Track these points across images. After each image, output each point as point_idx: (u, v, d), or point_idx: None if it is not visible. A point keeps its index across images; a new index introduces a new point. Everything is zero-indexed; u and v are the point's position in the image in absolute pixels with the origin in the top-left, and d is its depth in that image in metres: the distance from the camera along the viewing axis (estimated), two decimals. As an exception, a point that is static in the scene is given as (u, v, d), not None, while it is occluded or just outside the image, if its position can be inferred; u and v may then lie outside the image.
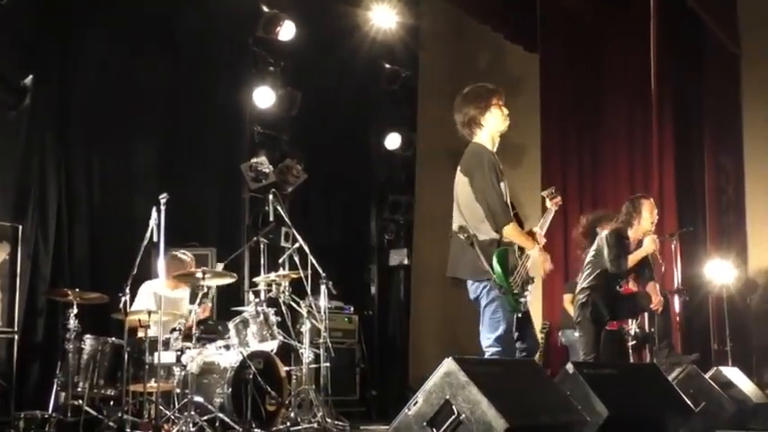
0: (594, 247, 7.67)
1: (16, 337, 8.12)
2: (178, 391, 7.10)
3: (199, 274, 7.43)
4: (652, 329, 8.21)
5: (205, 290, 7.60)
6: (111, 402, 7.32)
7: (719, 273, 10.76)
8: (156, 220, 6.96)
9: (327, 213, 11.85)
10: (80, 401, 6.93)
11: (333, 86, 11.40)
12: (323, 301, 8.48)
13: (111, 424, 6.87)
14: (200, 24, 9.94)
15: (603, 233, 7.70)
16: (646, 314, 8.31)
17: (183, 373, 7.10)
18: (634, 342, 8.75)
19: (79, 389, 7.04)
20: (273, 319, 7.82)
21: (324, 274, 8.43)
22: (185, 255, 8.20)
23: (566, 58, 11.79)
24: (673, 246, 8.92)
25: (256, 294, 8.36)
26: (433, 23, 12.81)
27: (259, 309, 7.75)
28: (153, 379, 7.04)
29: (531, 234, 5.63)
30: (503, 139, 5.91)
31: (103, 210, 9.27)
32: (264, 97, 10.11)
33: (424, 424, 4.43)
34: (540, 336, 10.12)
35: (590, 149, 11.52)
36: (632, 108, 11.14)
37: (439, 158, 13.74)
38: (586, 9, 11.25)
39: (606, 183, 11.19)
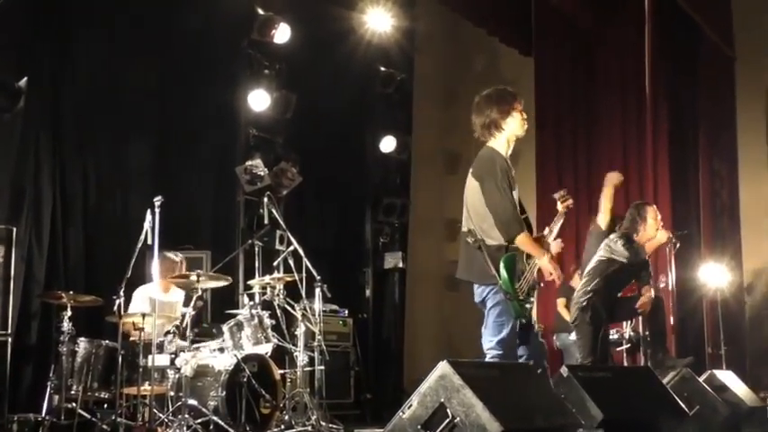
0: (600, 253, 7.67)
1: (10, 339, 8.07)
2: (172, 394, 7.09)
3: (193, 277, 7.43)
4: (646, 333, 8.23)
5: (200, 292, 7.60)
6: (105, 405, 7.30)
7: (714, 276, 10.78)
8: (150, 223, 6.94)
9: (322, 216, 11.84)
10: (74, 404, 6.91)
11: (328, 89, 11.39)
12: (317, 304, 8.47)
13: (104, 427, 6.84)
14: (196, 27, 9.93)
15: (609, 238, 7.72)
16: (640, 318, 8.34)
17: (177, 375, 7.10)
18: (628, 345, 8.77)
19: (73, 392, 7.02)
20: (268, 321, 7.80)
21: (318, 277, 8.43)
22: (175, 255, 8.19)
23: (560, 61, 11.81)
24: (668, 249, 8.92)
25: (251, 297, 8.37)
26: (429, 27, 12.83)
27: (254, 312, 7.74)
28: (147, 382, 7.01)
29: (540, 241, 5.63)
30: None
31: (98, 212, 9.25)
32: (259, 100, 10.10)
33: (419, 427, 4.43)
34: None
35: (585, 152, 11.54)
36: (627, 111, 11.16)
37: (434, 161, 13.79)
38: (581, 13, 11.27)
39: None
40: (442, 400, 4.41)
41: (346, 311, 10.63)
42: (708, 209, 11.74)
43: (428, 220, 13.39)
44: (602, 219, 7.97)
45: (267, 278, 8.41)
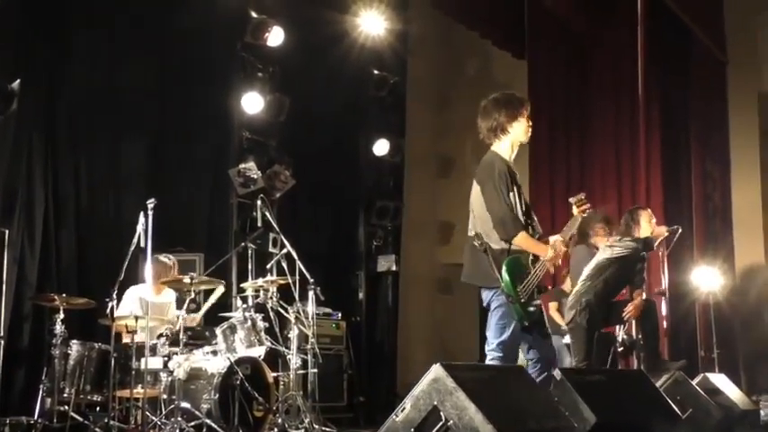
0: (600, 256, 7.68)
1: (2, 342, 8.03)
2: (165, 396, 7.09)
3: (186, 280, 7.42)
4: (639, 336, 8.25)
5: (192, 295, 7.58)
6: (98, 408, 7.30)
7: (706, 279, 10.80)
8: (143, 225, 6.94)
9: (315, 219, 11.84)
10: (66, 407, 6.91)
11: (321, 92, 11.39)
12: (311, 307, 8.47)
13: (97, 430, 6.85)
14: (189, 29, 9.90)
15: (604, 244, 7.75)
16: (633, 320, 8.35)
17: (169, 378, 7.08)
18: (622, 348, 8.77)
19: (65, 394, 7.01)
20: (261, 324, 7.80)
21: (312, 280, 8.42)
22: (167, 258, 8.19)
23: (553, 64, 11.83)
24: (661, 253, 8.95)
25: (244, 300, 8.37)
26: (422, 30, 12.83)
27: (247, 314, 7.74)
28: (139, 385, 7.01)
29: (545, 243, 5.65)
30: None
31: (91, 214, 9.24)
32: (253, 103, 10.09)
33: (412, 430, 4.42)
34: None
35: (578, 155, 11.56)
36: (620, 114, 11.19)
37: (427, 164, 13.80)
38: (574, 16, 11.29)
39: (594, 188, 11.21)
40: (436, 403, 4.41)
41: (339, 314, 10.63)
42: (700, 211, 11.77)
43: (421, 224, 13.40)
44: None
45: (260, 281, 8.41)
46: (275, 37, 10.19)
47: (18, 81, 7.82)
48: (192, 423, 7.02)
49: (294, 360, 8.14)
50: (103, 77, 9.45)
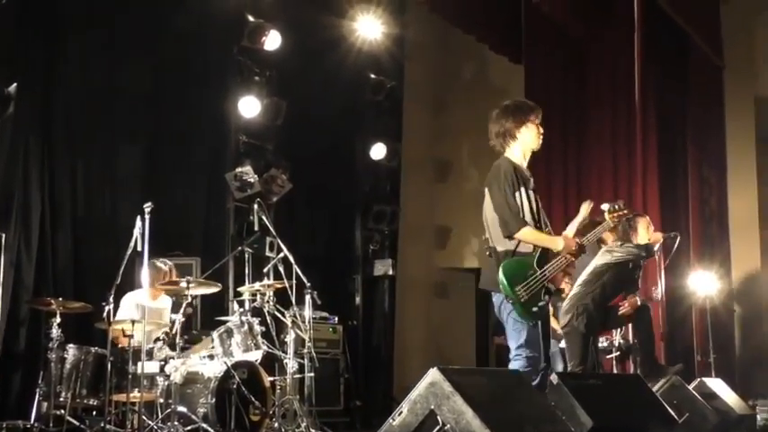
0: (599, 261, 7.68)
1: (-2, 346, 8.07)
2: (161, 401, 7.08)
3: (183, 284, 7.42)
4: (635, 341, 8.26)
5: (189, 299, 7.58)
6: (94, 412, 7.28)
7: (703, 284, 10.81)
8: (140, 229, 6.92)
9: (312, 223, 11.83)
10: (62, 411, 6.90)
11: (318, 96, 11.38)
12: (307, 311, 8.46)
13: (93, 434, 6.84)
14: (186, 32, 9.91)
15: (608, 246, 7.76)
16: (630, 325, 8.37)
17: (166, 382, 7.07)
18: (618, 353, 8.78)
19: (62, 399, 7.00)
20: (258, 328, 7.79)
21: (308, 284, 8.42)
22: (164, 263, 8.18)
23: (550, 69, 11.83)
24: (657, 257, 8.95)
25: (241, 304, 8.35)
26: (419, 34, 12.84)
27: (243, 318, 7.73)
28: (136, 389, 7.00)
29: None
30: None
31: (87, 218, 9.22)
32: (250, 107, 10.09)
33: (409, 434, 4.43)
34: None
35: (575, 159, 11.56)
36: (617, 118, 11.19)
37: (424, 169, 13.81)
38: (571, 21, 11.29)
39: (591, 192, 11.20)
40: (433, 407, 4.41)
41: (336, 318, 10.61)
42: (697, 216, 11.78)
43: (418, 228, 13.40)
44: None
45: (257, 285, 8.40)
46: (272, 41, 10.19)
47: (15, 84, 7.81)
48: (189, 427, 7.01)
49: (291, 364, 8.14)
50: (100, 80, 9.44)
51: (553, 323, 9.17)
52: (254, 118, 10.17)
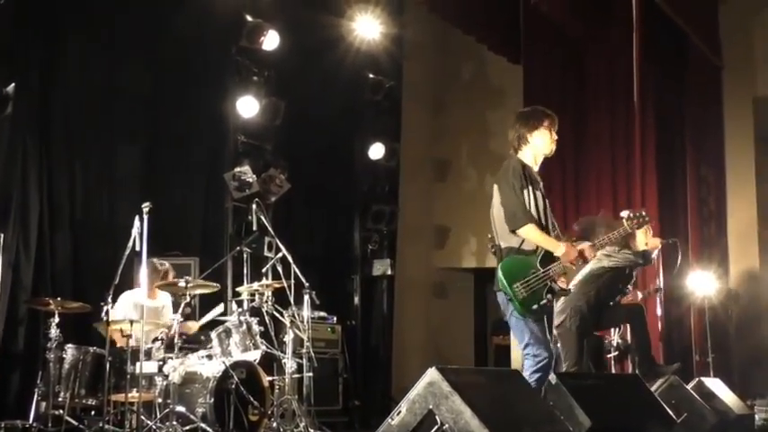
0: (592, 265, 7.68)
1: (-4, 345, 8.07)
2: (160, 400, 7.08)
3: (182, 284, 7.42)
4: (632, 340, 8.27)
5: (188, 299, 7.58)
6: (93, 412, 7.29)
7: (701, 284, 10.81)
8: (138, 229, 6.93)
9: (311, 223, 11.83)
10: (61, 411, 6.90)
11: (317, 96, 11.38)
12: (306, 311, 8.47)
13: (91, 434, 6.84)
14: (184, 33, 9.91)
15: (605, 250, 7.76)
16: (627, 325, 8.38)
17: (164, 382, 7.07)
18: (616, 353, 8.79)
19: (60, 398, 7.00)
20: (256, 328, 7.80)
21: (307, 284, 8.42)
22: (162, 264, 8.18)
23: (549, 69, 11.82)
24: (659, 257, 8.96)
25: (239, 304, 8.35)
26: (417, 34, 12.84)
27: (242, 318, 7.73)
28: (134, 389, 7.01)
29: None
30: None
31: (86, 218, 9.22)
32: (248, 107, 10.08)
33: (408, 434, 4.43)
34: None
35: (573, 159, 11.55)
36: (615, 118, 11.18)
37: (423, 169, 13.81)
38: (570, 21, 11.29)
39: (589, 192, 11.22)
40: (431, 406, 4.42)
41: (335, 318, 10.62)
42: (695, 216, 11.78)
43: (416, 228, 13.40)
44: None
45: (256, 285, 8.40)
46: (270, 41, 10.18)
47: (13, 84, 7.81)
48: (188, 427, 7.01)
49: (289, 364, 8.14)
50: (98, 80, 9.45)
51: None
52: (252, 118, 10.16)
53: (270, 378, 7.99)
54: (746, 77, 12.36)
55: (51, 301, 7.17)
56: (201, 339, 8.01)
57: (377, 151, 12.07)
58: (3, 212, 8.40)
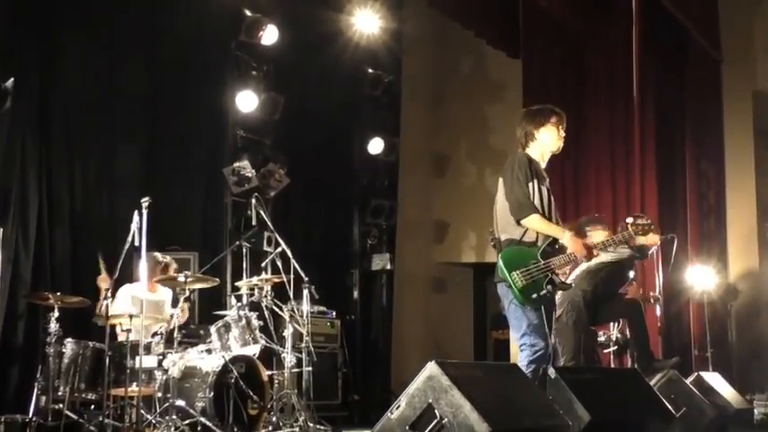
0: (588, 261, 7.68)
1: (-4, 340, 8.07)
2: (160, 395, 7.08)
3: (181, 278, 7.42)
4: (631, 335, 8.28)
5: (187, 293, 7.58)
6: (92, 406, 7.27)
7: (700, 278, 10.82)
8: (137, 224, 6.92)
9: (310, 218, 11.83)
10: (61, 405, 6.89)
11: (316, 91, 11.38)
12: (305, 306, 8.48)
13: (91, 428, 6.84)
14: (183, 28, 9.90)
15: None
16: (624, 320, 8.39)
17: (164, 377, 7.08)
18: (615, 348, 8.79)
19: (60, 393, 7.00)
20: (256, 323, 7.80)
21: (306, 279, 8.43)
22: (164, 257, 8.19)
23: (548, 63, 11.81)
24: (656, 253, 8.96)
25: (239, 298, 8.36)
26: (417, 28, 12.83)
27: (241, 313, 7.74)
28: (134, 383, 7.01)
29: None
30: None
31: (85, 213, 9.21)
32: (247, 101, 10.08)
33: (407, 428, 4.43)
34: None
35: (572, 154, 11.55)
36: (614, 113, 11.18)
37: (422, 163, 13.81)
38: (570, 16, 11.29)
39: (588, 187, 11.22)
40: (430, 400, 4.42)
41: (334, 313, 10.63)
42: (695, 210, 11.78)
43: (416, 222, 13.40)
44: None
45: (255, 279, 8.41)
46: (269, 35, 10.18)
47: (12, 80, 7.79)
48: (187, 421, 7.01)
49: (289, 358, 8.14)
50: (97, 75, 9.43)
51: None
52: (251, 113, 10.16)
53: (269, 372, 8.00)
54: (746, 72, 12.36)
55: (51, 296, 7.16)
56: (201, 334, 8.01)
57: (376, 146, 12.08)
58: (2, 207, 8.39)
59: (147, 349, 7.12)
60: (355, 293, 12.10)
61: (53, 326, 7.05)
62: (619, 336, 8.78)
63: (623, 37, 10.48)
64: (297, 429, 7.83)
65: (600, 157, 11.26)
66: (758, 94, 12.29)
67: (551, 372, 5.25)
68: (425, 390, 4.45)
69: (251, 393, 7.31)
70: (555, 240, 5.62)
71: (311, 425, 7.97)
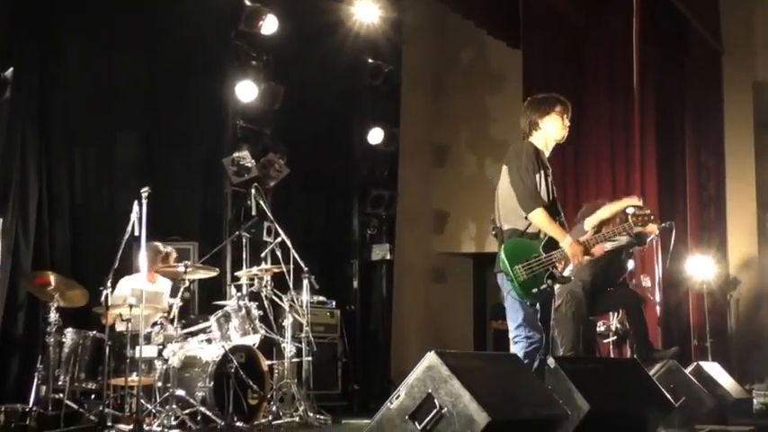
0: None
1: (-4, 330, 8.07)
2: (160, 384, 7.09)
3: (181, 268, 7.42)
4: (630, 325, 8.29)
5: (186, 284, 7.59)
6: (92, 396, 7.29)
7: (700, 268, 10.82)
8: (137, 214, 6.92)
9: (309, 208, 11.83)
10: (61, 395, 6.91)
11: (316, 81, 11.36)
12: (305, 296, 8.49)
13: (91, 418, 6.85)
14: (183, 17, 9.88)
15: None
16: (623, 310, 8.40)
17: (164, 366, 7.09)
18: (615, 338, 8.81)
19: (60, 382, 7.02)
20: (255, 313, 7.81)
21: (306, 269, 8.44)
22: (165, 246, 8.19)
23: (549, 53, 11.80)
24: (655, 242, 8.96)
25: (238, 288, 8.37)
26: (417, 18, 12.81)
27: (241, 303, 7.74)
28: (134, 373, 7.02)
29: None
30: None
31: (85, 204, 9.20)
32: (247, 91, 10.06)
33: (407, 417, 4.44)
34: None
35: (573, 143, 11.53)
36: (614, 103, 11.17)
37: (422, 153, 13.80)
38: (570, 6, 11.27)
39: (589, 177, 11.22)
40: (430, 390, 4.42)
41: (334, 303, 10.63)
42: (694, 200, 11.78)
43: (416, 213, 13.40)
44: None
45: (255, 269, 8.42)
46: (269, 25, 10.16)
47: (11, 69, 7.78)
48: (187, 411, 7.03)
49: (288, 348, 8.16)
50: (97, 65, 9.42)
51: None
52: (251, 103, 10.15)
53: (269, 362, 8.02)
54: (746, 62, 12.35)
55: (51, 275, 7.19)
56: (201, 323, 8.01)
57: (376, 136, 12.07)
58: (2, 198, 8.38)
59: (147, 339, 7.13)
60: (355, 283, 12.10)
61: (53, 316, 7.07)
62: (618, 326, 8.79)
63: (624, 27, 10.46)
64: (297, 419, 7.85)
65: (600, 146, 11.25)
66: (758, 85, 12.28)
67: (551, 361, 5.26)
68: (425, 379, 4.46)
69: (251, 383, 7.33)
70: None
71: (311, 414, 7.99)
